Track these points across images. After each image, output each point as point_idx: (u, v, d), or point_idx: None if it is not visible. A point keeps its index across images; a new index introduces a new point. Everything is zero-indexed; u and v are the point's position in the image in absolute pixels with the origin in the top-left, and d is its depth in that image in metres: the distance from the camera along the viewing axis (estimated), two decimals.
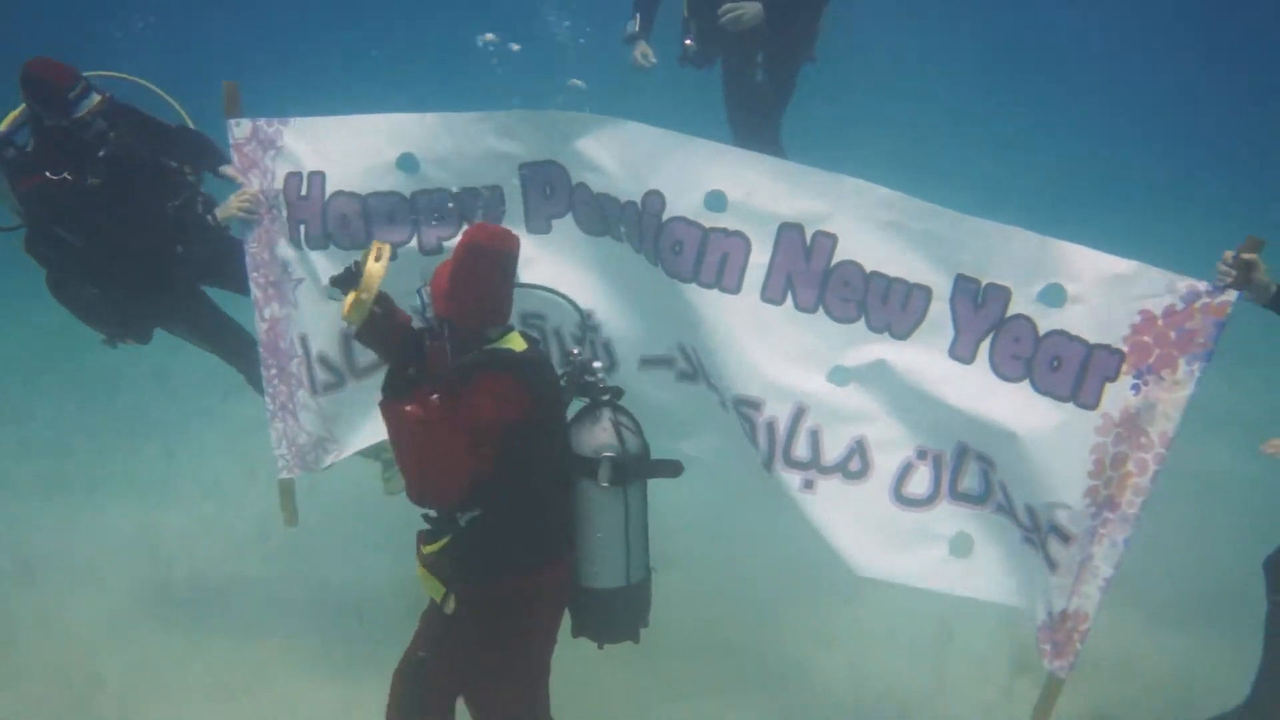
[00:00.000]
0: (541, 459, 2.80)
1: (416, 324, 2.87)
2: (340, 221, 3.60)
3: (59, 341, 4.29)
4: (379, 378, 3.61)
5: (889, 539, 3.39)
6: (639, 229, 3.37)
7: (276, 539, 4.43)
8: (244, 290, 3.86)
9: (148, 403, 6.43)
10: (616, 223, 3.43)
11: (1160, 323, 2.98)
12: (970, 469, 3.31)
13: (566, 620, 3.11)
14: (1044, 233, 3.12)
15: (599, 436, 2.87)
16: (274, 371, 3.79)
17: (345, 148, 3.58)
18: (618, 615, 3.01)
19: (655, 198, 3.33)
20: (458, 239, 3.23)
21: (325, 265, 3.62)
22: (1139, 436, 3.01)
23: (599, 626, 3.03)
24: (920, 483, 3.35)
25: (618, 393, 3.03)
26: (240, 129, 3.68)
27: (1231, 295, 2.90)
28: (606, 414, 2.92)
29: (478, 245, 2.76)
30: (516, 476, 2.72)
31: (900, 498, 3.39)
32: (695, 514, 4.57)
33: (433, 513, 2.73)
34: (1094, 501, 3.07)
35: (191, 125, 4.15)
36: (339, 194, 3.58)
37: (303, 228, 3.65)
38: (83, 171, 3.71)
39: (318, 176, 3.59)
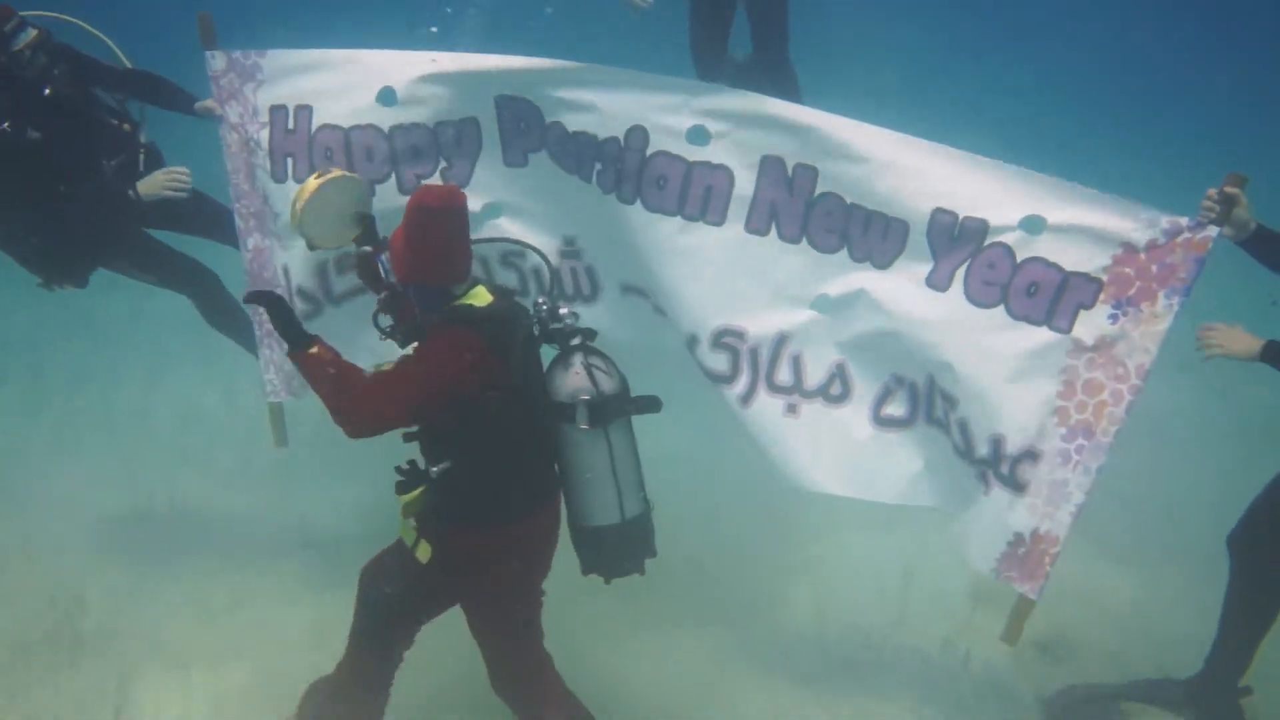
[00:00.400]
0: (512, 410, 2.87)
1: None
2: (325, 155, 3.64)
3: (31, 281, 4.30)
4: (356, 304, 3.80)
5: (869, 458, 3.57)
6: (620, 164, 3.44)
7: (258, 468, 4.52)
8: (189, 230, 4.12)
9: (123, 339, 6.45)
10: (591, 161, 3.48)
11: (1142, 256, 3.08)
12: (937, 401, 3.45)
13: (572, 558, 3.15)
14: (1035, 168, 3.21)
15: (572, 381, 2.92)
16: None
17: (328, 81, 3.62)
18: (620, 550, 3.10)
19: (638, 132, 3.41)
20: (434, 179, 3.38)
21: None
22: (1116, 367, 3.14)
23: (603, 562, 3.12)
24: (899, 405, 3.51)
25: (590, 334, 3.08)
26: (216, 61, 3.71)
27: (1212, 231, 3.00)
28: (578, 358, 2.97)
29: (425, 206, 2.81)
30: (485, 429, 2.81)
31: (880, 419, 3.56)
32: (672, 451, 4.67)
33: (405, 464, 2.85)
34: (1062, 421, 3.21)
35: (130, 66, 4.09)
36: (324, 127, 3.62)
37: (290, 161, 3.70)
38: (23, 120, 3.73)
39: (304, 110, 3.64)
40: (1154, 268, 3.07)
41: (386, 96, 3.57)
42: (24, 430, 4.47)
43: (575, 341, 3.00)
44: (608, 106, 3.44)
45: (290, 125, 3.66)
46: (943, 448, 3.48)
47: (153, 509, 4.87)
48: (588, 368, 2.94)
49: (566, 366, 2.96)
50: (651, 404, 3.08)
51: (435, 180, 3.62)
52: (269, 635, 4.08)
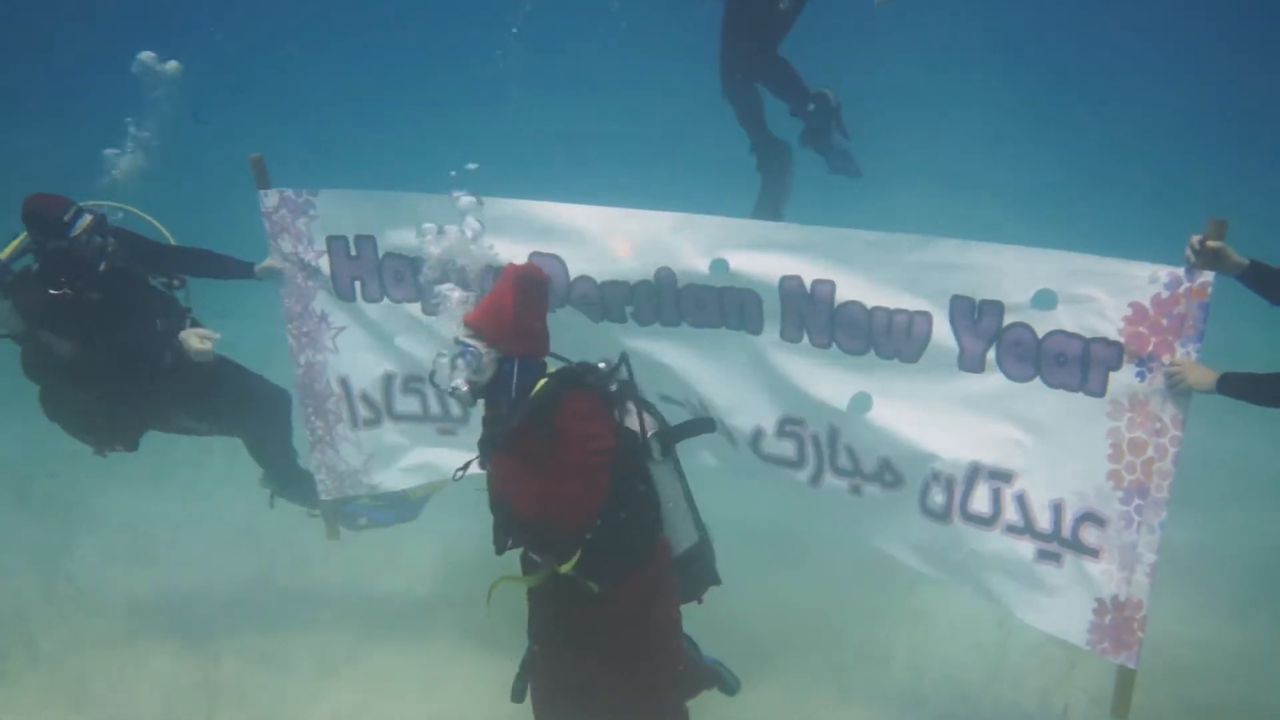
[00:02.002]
0: (631, 455, 3.26)
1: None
2: (395, 278, 4.34)
3: None
4: (410, 426, 4.59)
5: (921, 542, 3.98)
6: (657, 299, 3.95)
7: (366, 533, 4.94)
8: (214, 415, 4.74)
9: None
10: (622, 305, 3.99)
11: (1151, 312, 3.33)
12: (980, 490, 3.76)
13: None
14: (1041, 233, 3.57)
15: (632, 421, 3.30)
16: (310, 410, 4.59)
17: (389, 217, 4.27)
18: (703, 567, 3.50)
19: (666, 272, 3.90)
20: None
21: (378, 313, 4.43)
22: (1154, 422, 3.38)
23: (694, 583, 3.50)
24: (937, 499, 3.85)
25: (623, 374, 3.38)
26: (269, 198, 4.37)
27: (1209, 276, 3.24)
28: (629, 401, 3.33)
29: (530, 277, 3.27)
30: (622, 479, 3.14)
31: (925, 509, 3.92)
32: (761, 511, 4.91)
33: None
34: (1118, 485, 3.46)
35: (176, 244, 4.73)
36: (390, 255, 4.30)
37: (357, 284, 4.39)
38: (83, 286, 4.30)
39: (367, 240, 4.30)
40: (1164, 321, 3.33)
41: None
42: (156, 496, 4.99)
43: (615, 387, 3.35)
44: (632, 256, 3.93)
45: (353, 252, 4.34)
46: (991, 541, 3.83)
47: (275, 568, 5.58)
48: (640, 405, 3.32)
49: (624, 410, 3.31)
50: (706, 425, 3.56)
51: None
52: (385, 686, 4.67)
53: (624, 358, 3.30)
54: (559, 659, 3.34)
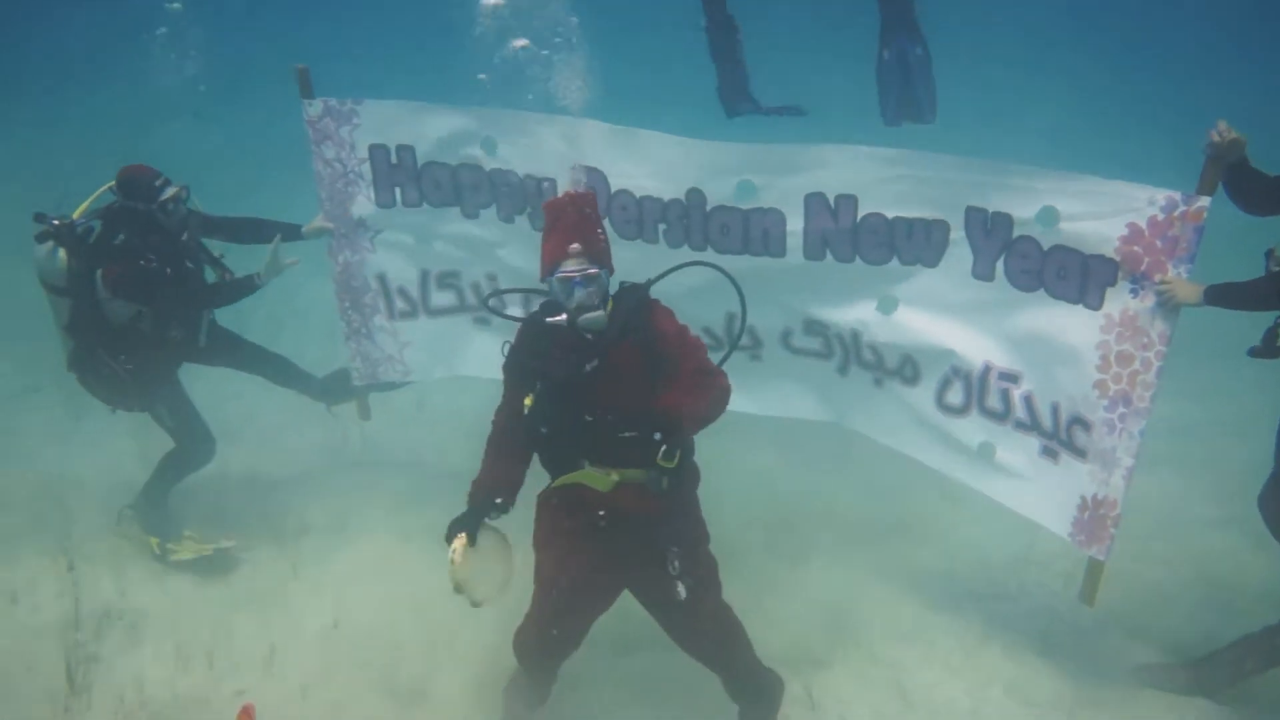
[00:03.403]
0: None
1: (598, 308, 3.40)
2: (434, 185, 4.82)
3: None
4: (446, 318, 5.12)
5: (934, 436, 4.47)
6: (686, 219, 4.39)
7: (429, 409, 5.33)
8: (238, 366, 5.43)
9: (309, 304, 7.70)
10: (655, 223, 4.44)
11: (1146, 233, 3.64)
12: (993, 389, 4.24)
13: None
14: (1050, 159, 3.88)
15: None
16: (347, 304, 5.17)
17: (431, 127, 4.70)
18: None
19: (696, 193, 4.34)
20: (523, 216, 4.60)
21: (416, 217, 4.92)
22: (1142, 337, 3.74)
23: None
24: (956, 394, 4.33)
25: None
26: (313, 108, 4.79)
27: (1205, 201, 3.55)
28: None
29: (593, 198, 3.62)
30: None
31: (942, 404, 4.39)
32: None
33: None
34: (1103, 394, 3.85)
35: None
36: (431, 164, 4.77)
37: (397, 190, 4.87)
38: (166, 257, 4.86)
39: (407, 150, 4.76)
40: (1158, 242, 3.63)
41: (488, 144, 4.67)
42: (234, 376, 5.43)
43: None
44: (667, 172, 4.37)
45: (394, 160, 4.80)
46: (1001, 434, 4.27)
47: (347, 445, 6.22)
48: None
49: None
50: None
51: (524, 218, 4.72)
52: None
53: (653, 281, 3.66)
54: (611, 556, 3.59)
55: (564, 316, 3.38)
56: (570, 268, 3.37)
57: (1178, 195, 3.58)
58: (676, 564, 3.53)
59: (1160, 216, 3.61)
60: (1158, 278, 3.66)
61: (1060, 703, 4.21)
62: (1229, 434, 6.21)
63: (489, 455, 3.62)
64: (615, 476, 3.45)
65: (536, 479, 3.67)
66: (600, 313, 3.36)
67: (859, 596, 4.87)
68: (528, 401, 3.49)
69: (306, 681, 4.29)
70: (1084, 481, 3.99)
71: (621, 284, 3.55)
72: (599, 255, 3.43)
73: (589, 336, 3.39)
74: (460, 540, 3.46)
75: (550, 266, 3.43)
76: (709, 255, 4.38)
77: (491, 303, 4.55)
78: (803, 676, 4.29)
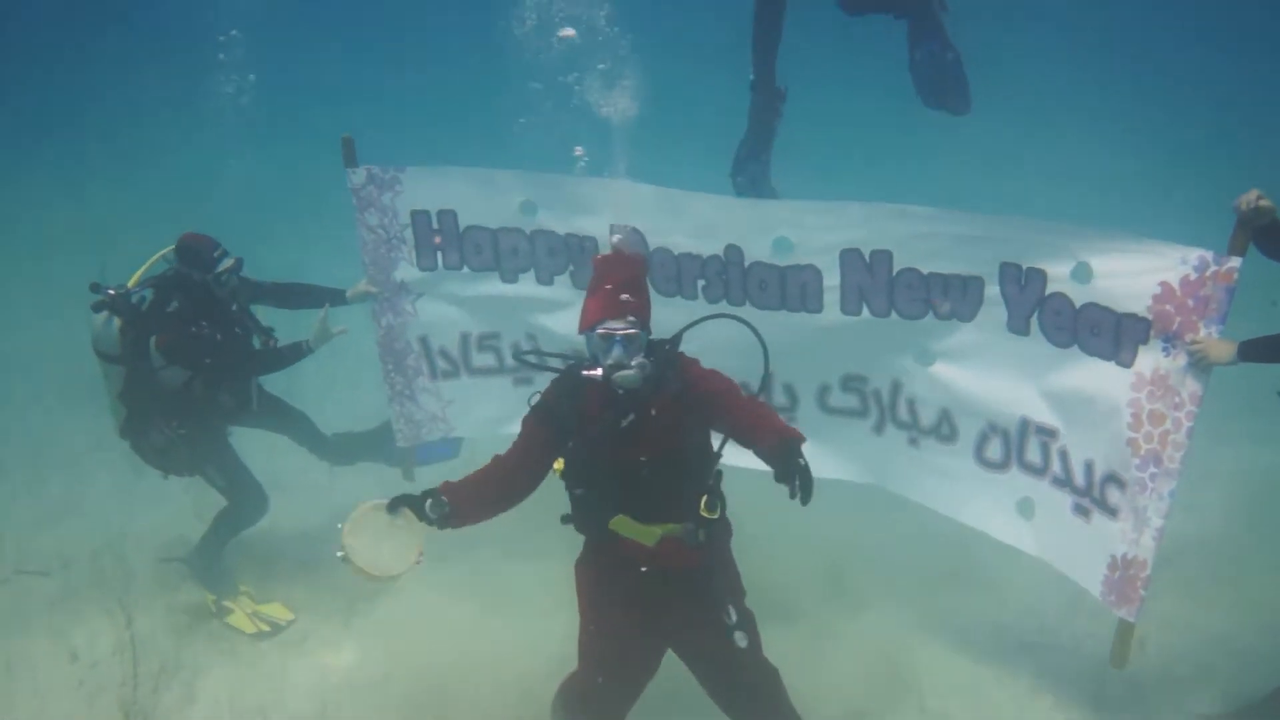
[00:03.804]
0: None
1: (636, 364, 3.46)
2: (474, 249, 5.01)
3: None
4: (488, 379, 5.27)
5: (974, 492, 4.52)
6: (725, 276, 4.54)
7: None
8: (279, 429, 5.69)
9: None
10: (694, 279, 4.59)
11: (1179, 292, 3.69)
12: (1031, 442, 4.29)
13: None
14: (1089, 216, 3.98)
15: None
16: (391, 367, 5.34)
17: (473, 191, 4.88)
18: None
19: (734, 250, 4.49)
20: (564, 276, 4.75)
21: (457, 281, 5.10)
22: (1173, 397, 3.77)
23: None
24: (996, 450, 4.40)
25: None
26: (357, 176, 4.99)
27: (1236, 262, 3.59)
28: None
29: (644, 261, 3.87)
30: None
31: (981, 460, 4.46)
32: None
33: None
34: (1135, 452, 3.88)
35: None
36: (472, 228, 4.96)
37: (439, 254, 5.06)
38: (215, 325, 5.06)
39: (448, 214, 4.95)
40: (1190, 302, 3.66)
41: (528, 207, 4.84)
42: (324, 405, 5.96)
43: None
44: (705, 230, 4.51)
45: (435, 225, 4.99)
46: (1040, 491, 4.31)
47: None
48: None
49: None
50: None
51: (565, 278, 4.89)
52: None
53: (681, 333, 3.77)
54: (655, 618, 3.64)
55: (599, 371, 3.47)
56: (613, 325, 3.48)
57: (1209, 255, 3.62)
58: (734, 614, 3.61)
59: (1193, 276, 3.65)
60: (1189, 337, 3.69)
61: None
62: None
63: (476, 477, 3.64)
64: (659, 530, 3.54)
65: (567, 543, 3.75)
66: (635, 371, 3.45)
67: (908, 646, 4.90)
68: (558, 466, 3.61)
69: None
70: (1114, 541, 4.02)
71: (650, 342, 3.65)
72: (642, 317, 3.55)
73: (620, 392, 3.47)
74: (372, 505, 3.57)
75: (593, 321, 3.53)
76: (747, 310, 4.50)
77: (525, 356, 4.66)
78: None
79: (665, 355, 3.59)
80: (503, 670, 4.57)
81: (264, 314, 5.41)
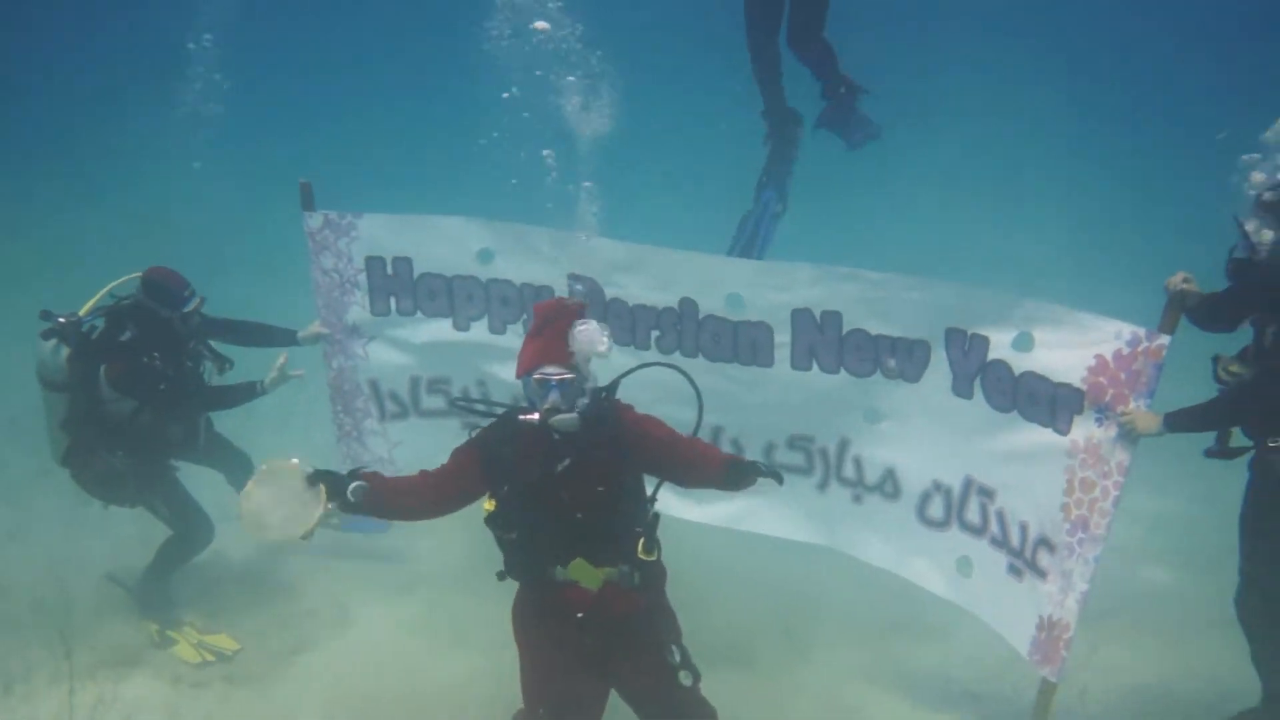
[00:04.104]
0: None
1: (571, 411, 3.51)
2: (428, 295, 5.08)
3: None
4: (438, 420, 5.28)
5: (915, 549, 4.66)
6: (679, 327, 4.66)
7: None
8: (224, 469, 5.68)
9: None
10: (649, 330, 4.72)
11: (1112, 365, 3.85)
12: (973, 503, 4.43)
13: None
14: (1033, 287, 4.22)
15: None
16: (340, 408, 5.42)
17: (428, 239, 4.96)
18: None
19: (689, 303, 4.61)
20: (516, 325, 4.81)
21: (409, 327, 5.16)
22: (1103, 465, 3.92)
23: None
24: (937, 509, 4.54)
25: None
26: (314, 219, 5.07)
27: (1165, 339, 3.77)
28: None
29: (582, 308, 3.80)
30: None
31: (924, 518, 4.60)
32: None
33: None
34: (1067, 518, 4.03)
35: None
36: (427, 275, 5.03)
37: (392, 299, 5.13)
38: (169, 357, 5.07)
39: (404, 261, 5.01)
40: (1123, 375, 3.83)
41: (485, 255, 4.93)
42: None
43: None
44: (660, 283, 4.63)
45: (390, 271, 5.06)
46: (977, 550, 4.44)
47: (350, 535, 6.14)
48: None
49: None
50: None
51: (518, 327, 4.94)
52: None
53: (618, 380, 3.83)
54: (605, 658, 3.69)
55: (537, 416, 3.51)
56: (550, 370, 3.53)
57: (1142, 331, 3.80)
58: (677, 654, 3.66)
59: (1125, 350, 3.82)
60: (1120, 409, 3.85)
61: None
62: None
63: (402, 485, 3.65)
64: (600, 574, 3.61)
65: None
66: (574, 415, 3.51)
67: (856, 695, 4.98)
68: (489, 506, 3.64)
69: None
70: (1043, 602, 4.16)
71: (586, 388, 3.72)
72: (580, 364, 3.60)
73: (557, 436, 3.53)
74: (293, 464, 3.54)
75: (530, 366, 3.58)
76: (699, 363, 4.63)
77: (460, 403, 4.75)
78: None
79: (601, 401, 3.67)
80: (451, 704, 4.56)
81: (221, 347, 5.42)
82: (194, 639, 5.31)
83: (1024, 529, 4.22)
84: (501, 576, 3.76)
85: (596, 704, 3.77)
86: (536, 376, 3.54)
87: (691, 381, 3.79)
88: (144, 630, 5.37)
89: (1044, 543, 4.13)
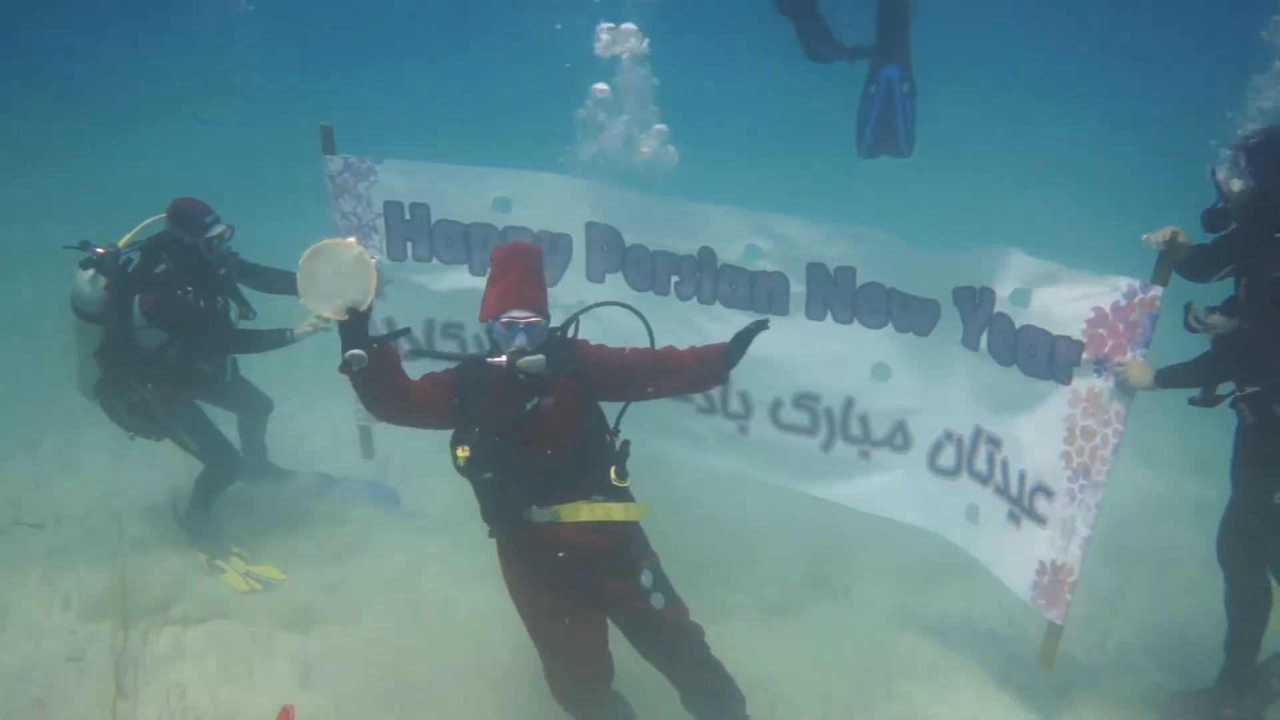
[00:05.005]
0: None
1: (536, 354, 3.69)
2: (445, 242, 5.25)
3: None
4: (450, 365, 5.59)
5: (925, 497, 4.87)
6: (698, 274, 4.87)
7: None
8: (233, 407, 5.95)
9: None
10: (668, 275, 4.92)
11: (1110, 317, 4.05)
12: (981, 451, 4.65)
13: None
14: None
15: None
16: None
17: (447, 186, 5.12)
18: None
19: (707, 252, 4.82)
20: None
21: (425, 272, 5.29)
22: (1103, 414, 4.14)
23: None
24: (949, 458, 4.77)
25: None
26: (334, 163, 5.26)
27: (1158, 290, 3.98)
28: None
29: (541, 252, 4.06)
30: None
31: (934, 467, 4.81)
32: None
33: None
34: (1068, 465, 4.26)
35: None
36: (443, 222, 5.21)
37: (409, 245, 5.30)
38: (200, 291, 5.26)
39: (421, 207, 5.19)
40: (1120, 326, 4.03)
41: (501, 203, 5.13)
42: (284, 397, 6.18)
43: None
44: (680, 231, 4.82)
45: (407, 217, 5.24)
46: (983, 498, 4.63)
47: (388, 469, 6.68)
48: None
49: None
50: None
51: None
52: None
53: (575, 317, 4.05)
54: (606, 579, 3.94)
55: (504, 358, 3.71)
56: (516, 314, 3.75)
57: (1137, 283, 4.02)
58: (649, 578, 3.94)
59: (1122, 302, 4.03)
60: (1118, 359, 4.08)
61: None
62: None
63: (403, 379, 3.73)
64: (584, 510, 3.83)
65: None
66: (540, 356, 3.73)
67: (878, 633, 5.26)
68: (462, 453, 3.80)
69: (341, 695, 4.69)
70: (1043, 547, 4.40)
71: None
72: (542, 305, 3.84)
73: (523, 377, 3.72)
74: (337, 240, 3.60)
75: (496, 310, 3.79)
76: (716, 309, 4.88)
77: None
78: (818, 707, 4.69)
79: (563, 340, 3.92)
80: (486, 641, 4.87)
81: (248, 296, 5.72)
82: (241, 569, 5.70)
83: (1022, 477, 4.44)
84: (492, 534, 3.99)
85: (598, 635, 4.03)
86: (504, 320, 3.74)
87: (644, 319, 4.05)
88: (193, 559, 5.74)
89: (1042, 489, 4.34)
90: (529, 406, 3.74)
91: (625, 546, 3.98)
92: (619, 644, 4.09)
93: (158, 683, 4.72)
